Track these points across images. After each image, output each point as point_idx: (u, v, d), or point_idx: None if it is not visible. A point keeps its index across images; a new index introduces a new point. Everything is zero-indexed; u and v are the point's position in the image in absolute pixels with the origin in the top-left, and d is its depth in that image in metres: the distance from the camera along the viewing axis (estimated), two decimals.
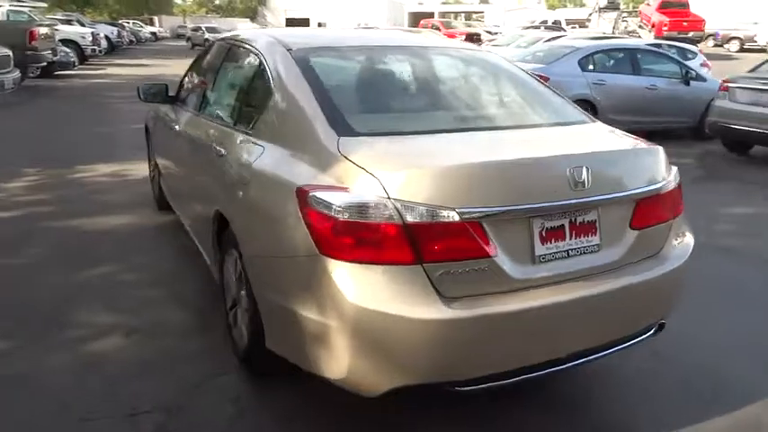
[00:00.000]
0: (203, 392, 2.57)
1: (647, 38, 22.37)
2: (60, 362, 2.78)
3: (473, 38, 23.72)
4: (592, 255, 2.11)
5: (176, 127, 3.68)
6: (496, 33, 25.94)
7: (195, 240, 3.53)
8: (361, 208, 1.84)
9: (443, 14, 60.68)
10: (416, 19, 63.92)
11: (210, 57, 3.63)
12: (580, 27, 33.47)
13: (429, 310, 1.82)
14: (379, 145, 2.09)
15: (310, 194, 1.96)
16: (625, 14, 31.49)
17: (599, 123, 2.65)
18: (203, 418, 2.38)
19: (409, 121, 2.46)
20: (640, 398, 2.52)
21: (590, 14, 35.26)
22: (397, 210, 1.82)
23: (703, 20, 25.02)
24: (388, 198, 1.82)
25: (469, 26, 32.76)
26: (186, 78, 4.11)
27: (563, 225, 2.04)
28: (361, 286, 1.83)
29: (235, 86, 3.03)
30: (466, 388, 1.96)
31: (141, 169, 6.26)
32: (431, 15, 63.17)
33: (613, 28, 29.99)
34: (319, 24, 57.13)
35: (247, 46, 2.99)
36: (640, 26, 27.10)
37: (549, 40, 15.26)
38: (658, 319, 2.35)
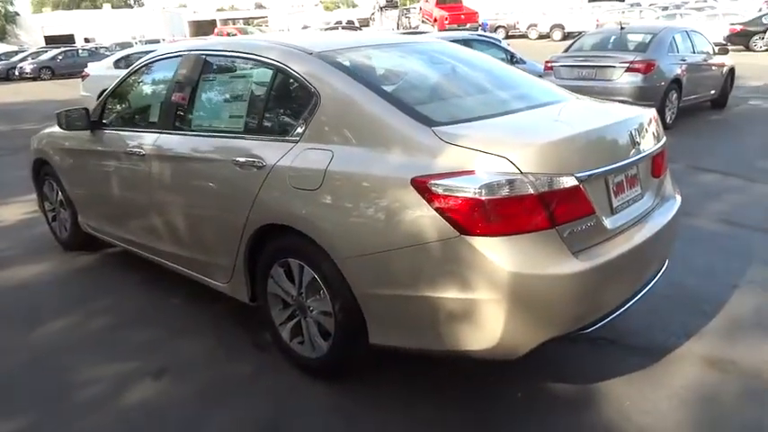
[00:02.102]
0: (298, 407, 2.51)
1: (432, 31, 24.44)
2: (103, 424, 2.48)
3: None
4: (638, 202, 2.51)
5: (127, 151, 3.37)
6: None
7: (185, 270, 3.28)
8: (501, 186, 2.00)
9: (225, 21, 59.53)
10: (197, 28, 61.87)
11: (167, 73, 3.37)
12: (364, 26, 35.28)
13: (570, 265, 2.07)
14: (474, 130, 2.25)
15: (434, 182, 2.07)
16: (406, 11, 33.95)
17: (586, 98, 3.07)
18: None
19: (468, 108, 2.63)
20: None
21: (372, 14, 37.31)
22: (530, 182, 2.02)
23: (477, 12, 28.05)
24: (521, 173, 2.02)
25: (262, 31, 32.66)
26: (118, 100, 3.75)
27: (623, 180, 2.41)
28: (513, 256, 2.00)
29: (243, 97, 2.88)
30: (589, 330, 2.24)
31: (6, 214, 5.50)
32: (211, 23, 61.59)
33: (397, 24, 32.18)
34: (86, 40, 52.34)
35: (248, 55, 2.88)
36: (423, 21, 29.44)
37: None
38: (668, 255, 2.84)
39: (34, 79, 26.63)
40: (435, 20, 27.21)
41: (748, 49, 18.11)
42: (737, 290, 3.35)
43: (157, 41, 31.63)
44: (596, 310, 2.23)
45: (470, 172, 2.05)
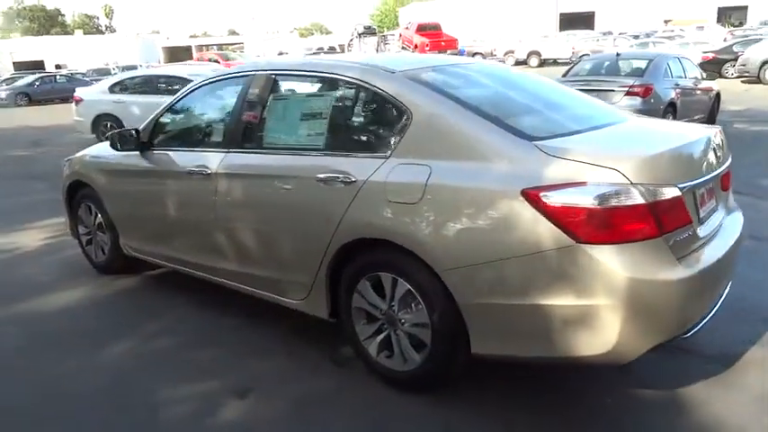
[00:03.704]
0: (396, 421, 2.53)
1: None
2: None
3: None
4: (715, 213, 2.64)
5: (188, 171, 3.37)
6: None
7: (250, 289, 3.28)
8: (614, 196, 2.10)
9: (200, 47, 59.55)
10: (171, 54, 61.74)
11: (228, 93, 3.41)
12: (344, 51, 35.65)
13: (677, 272, 2.16)
14: (575, 144, 2.35)
15: (546, 194, 2.15)
16: (384, 38, 34.49)
17: (644, 116, 3.21)
18: None
19: (553, 123, 2.72)
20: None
21: (350, 40, 37.76)
22: (641, 192, 2.12)
23: (456, 39, 28.70)
24: (631, 183, 2.12)
25: (234, 57, 32.71)
26: (171, 121, 3.77)
27: (704, 192, 2.53)
28: (627, 262, 2.09)
29: (322, 115, 2.93)
30: (687, 336, 2.32)
31: (26, 240, 5.42)
32: (186, 49, 61.50)
33: (376, 51, 32.62)
34: (57, 66, 51.74)
35: (326, 74, 2.96)
36: (403, 48, 29.94)
37: None
38: (736, 265, 2.94)
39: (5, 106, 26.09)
40: (416, 46, 27.72)
41: (721, 75, 18.84)
42: None
43: (134, 67, 31.44)
44: (695, 315, 2.32)
45: (582, 183, 2.14)
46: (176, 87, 11.26)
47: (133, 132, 3.75)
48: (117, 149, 3.75)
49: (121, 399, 2.80)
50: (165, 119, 3.80)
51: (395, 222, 2.48)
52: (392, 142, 2.61)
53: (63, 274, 4.55)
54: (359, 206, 2.60)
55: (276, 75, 3.20)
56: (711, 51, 19.90)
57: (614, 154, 2.25)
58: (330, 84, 2.95)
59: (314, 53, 27.09)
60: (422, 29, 28.58)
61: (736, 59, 18.22)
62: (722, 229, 2.65)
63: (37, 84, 27.75)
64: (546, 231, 2.15)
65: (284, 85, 3.20)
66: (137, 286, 4.26)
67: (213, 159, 3.28)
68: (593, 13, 43.38)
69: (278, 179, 2.96)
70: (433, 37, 27.80)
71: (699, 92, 9.58)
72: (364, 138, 2.81)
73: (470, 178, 2.34)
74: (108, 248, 4.31)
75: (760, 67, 16.97)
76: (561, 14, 42.76)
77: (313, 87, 3.07)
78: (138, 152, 3.77)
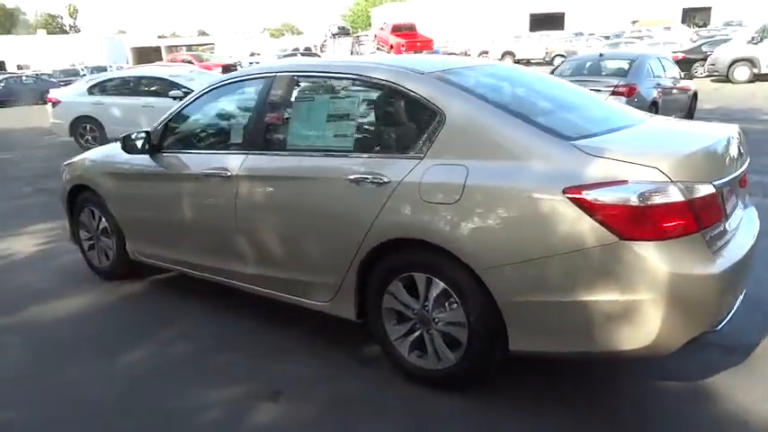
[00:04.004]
0: (435, 418, 2.55)
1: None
2: None
3: (229, 68, 23.75)
4: (737, 209, 2.71)
5: (204, 173, 3.34)
6: (255, 63, 26.18)
7: (271, 292, 3.26)
8: (656, 193, 2.15)
9: (170, 48, 58.71)
10: (140, 54, 60.67)
11: (245, 95, 3.39)
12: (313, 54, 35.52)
13: (714, 266, 2.23)
14: (611, 143, 2.40)
15: (589, 192, 2.19)
16: (358, 39, 34.46)
17: (660, 116, 3.28)
18: None
19: (582, 123, 2.76)
20: None
21: (324, 41, 37.65)
22: (680, 190, 2.17)
23: (432, 40, 28.84)
24: (671, 181, 2.17)
25: (207, 58, 32.26)
26: (184, 123, 3.73)
27: (728, 188, 2.60)
28: (669, 257, 2.14)
29: (349, 116, 2.92)
30: (717, 329, 2.39)
31: (19, 245, 5.30)
32: (155, 50, 60.53)
33: (351, 52, 32.59)
34: (19, 67, 50.36)
35: (352, 76, 2.96)
36: (378, 48, 29.96)
37: None
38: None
39: None
40: (391, 47, 27.76)
41: (690, 75, 19.34)
42: None
43: (104, 69, 30.82)
44: (726, 308, 2.39)
45: (623, 182, 2.19)
46: (157, 89, 11.13)
47: (143, 135, 3.69)
48: (129, 152, 3.68)
49: (146, 406, 2.76)
50: (177, 121, 3.75)
51: (432, 223, 2.50)
52: (426, 143, 2.62)
53: (63, 281, 4.45)
54: (393, 207, 2.61)
55: (299, 76, 3.19)
56: (681, 51, 20.39)
57: (652, 153, 2.31)
58: (358, 85, 2.94)
59: (289, 54, 26.91)
60: (397, 29, 28.66)
61: (705, 59, 18.72)
62: (743, 225, 2.74)
63: (1, 85, 26.99)
64: (589, 229, 2.19)
65: (308, 87, 3.19)
66: (143, 291, 4.19)
67: (233, 161, 3.25)
68: (563, 14, 44.05)
69: (305, 180, 2.95)
70: (409, 37, 27.89)
71: (678, 91, 9.81)
72: (396, 139, 2.81)
73: (510, 178, 2.37)
74: (113, 253, 4.23)
75: (729, 67, 17.47)
76: (532, 15, 43.31)
77: (339, 89, 3.05)
78: (147, 155, 3.72)
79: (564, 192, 2.23)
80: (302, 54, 26.53)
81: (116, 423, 2.65)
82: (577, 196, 2.21)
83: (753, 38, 17.27)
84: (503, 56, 29.26)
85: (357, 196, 2.74)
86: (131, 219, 3.97)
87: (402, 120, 2.82)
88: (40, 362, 3.25)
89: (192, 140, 3.74)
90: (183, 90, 10.68)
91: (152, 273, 4.34)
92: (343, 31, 36.85)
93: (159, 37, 79.29)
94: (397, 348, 2.79)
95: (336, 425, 2.55)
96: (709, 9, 43.24)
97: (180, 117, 3.76)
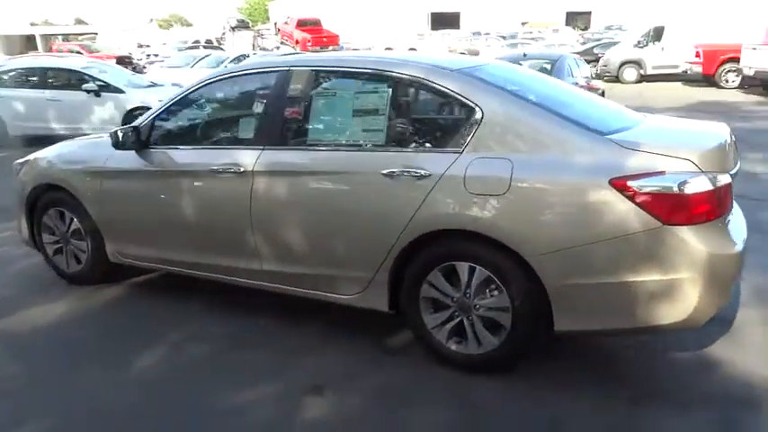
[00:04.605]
0: (481, 401, 2.68)
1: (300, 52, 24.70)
2: None
3: (124, 60, 22.53)
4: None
5: (212, 169, 3.26)
6: (152, 55, 24.95)
7: (289, 288, 3.24)
8: (693, 182, 2.40)
9: (46, 36, 54.30)
10: (10, 43, 55.27)
11: (253, 89, 3.32)
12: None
13: (735, 246, 2.53)
14: (640, 138, 2.63)
15: (633, 182, 2.41)
16: (259, 32, 33.77)
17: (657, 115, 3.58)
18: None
19: (605, 119, 2.96)
20: None
21: (223, 34, 36.52)
22: (709, 179, 2.45)
23: (338, 35, 28.84)
24: (702, 172, 2.44)
25: (98, 49, 30.26)
26: (180, 118, 3.58)
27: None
28: (706, 239, 2.41)
29: (379, 111, 2.94)
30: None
31: None
32: (30, 38, 55.63)
33: (253, 45, 31.89)
34: None
35: (380, 71, 2.99)
36: (282, 43, 29.56)
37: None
38: None
39: None
40: (297, 42, 27.51)
41: None
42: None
43: None
44: (735, 286, 2.71)
45: (662, 172, 2.43)
46: (65, 82, 10.34)
47: (133, 129, 3.51)
48: (119, 148, 3.49)
49: (180, 409, 2.68)
50: (170, 116, 3.61)
51: (479, 213, 2.62)
52: (463, 137, 2.73)
53: (28, 287, 4.13)
54: (436, 199, 2.70)
55: (320, 70, 3.19)
56: (575, 53, 21.84)
57: (683, 147, 2.57)
58: (386, 80, 2.98)
59: (190, 47, 25.83)
60: (302, 24, 28.44)
61: (597, 60, 20.18)
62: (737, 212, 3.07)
63: None
64: (634, 215, 2.41)
65: (330, 81, 3.19)
66: (125, 295, 3.97)
67: (246, 157, 3.18)
68: (459, 13, 45.60)
69: (335, 175, 2.97)
70: (315, 32, 27.77)
71: (590, 90, 10.57)
72: (431, 133, 2.90)
73: (556, 170, 2.54)
74: (87, 257, 3.97)
75: (619, 68, 18.96)
76: (431, 13, 44.42)
77: (365, 84, 3.08)
78: (135, 151, 3.54)
79: (610, 182, 2.44)
80: (204, 47, 25.51)
81: (158, 428, 2.55)
82: (623, 186, 2.42)
83: (639, 41, 18.88)
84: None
85: (393, 190, 2.80)
86: (114, 219, 3.76)
87: (435, 115, 2.93)
88: (35, 372, 3.04)
89: (191, 136, 3.61)
90: (98, 83, 10.05)
91: (128, 276, 4.13)
92: (243, 24, 35.97)
93: (32, 25, 72.86)
94: (435, 336, 2.89)
95: (389, 413, 2.61)
96: (590, 13, 46.53)
97: (173, 111, 3.61)
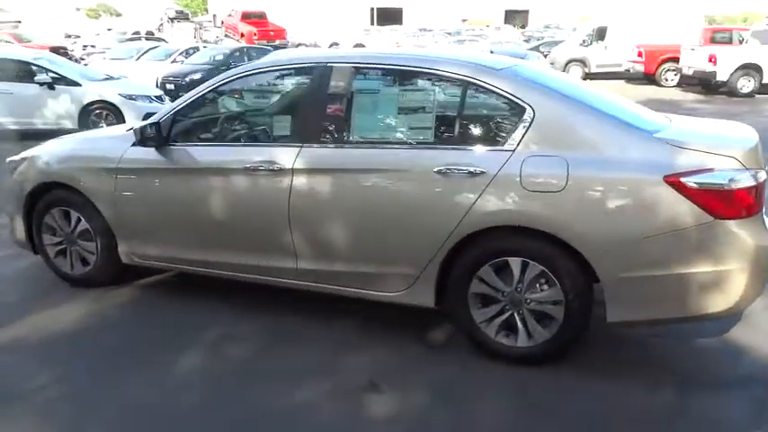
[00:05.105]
0: (545, 396, 2.76)
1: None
2: None
3: (59, 51, 21.44)
4: None
5: (246, 167, 3.20)
6: (89, 46, 23.84)
7: (328, 286, 3.22)
8: (740, 179, 2.56)
9: None
10: None
11: (285, 86, 3.27)
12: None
13: None
14: (684, 137, 2.77)
15: (686, 179, 2.55)
16: (200, 25, 32.83)
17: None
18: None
19: (643, 119, 3.07)
20: None
21: (160, 25, 35.29)
22: (752, 175, 2.61)
23: (285, 29, 28.40)
24: (746, 169, 2.61)
25: (30, 39, 28.57)
26: (203, 115, 3.48)
27: None
28: (753, 232, 2.57)
29: (425, 109, 2.96)
30: None
31: None
32: None
33: (195, 37, 30.99)
34: None
35: (424, 70, 3.02)
36: (226, 35, 28.86)
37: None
38: None
39: None
40: (242, 35, 26.93)
41: None
42: None
43: None
44: None
45: (711, 169, 2.58)
46: (14, 73, 9.74)
47: (153, 126, 3.38)
48: (146, 145, 3.36)
49: (244, 412, 2.64)
50: (195, 111, 3.50)
51: (537, 210, 2.70)
52: (514, 136, 2.80)
53: (31, 292, 3.93)
54: (492, 196, 2.76)
55: (362, 67, 3.18)
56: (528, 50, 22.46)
57: (726, 145, 2.73)
58: (433, 78, 3.01)
59: (131, 39, 24.77)
60: (247, 17, 27.86)
61: (544, 57, 20.79)
62: None
63: None
64: (687, 210, 2.55)
65: (374, 78, 3.18)
66: (140, 297, 3.81)
67: (283, 154, 3.14)
68: (402, 9, 45.84)
69: (382, 173, 2.97)
70: (260, 26, 27.27)
71: None
72: (480, 132, 2.96)
73: (612, 168, 2.65)
74: (96, 258, 3.80)
75: (564, 66, 19.59)
76: (375, 9, 44.47)
77: (410, 81, 3.10)
78: (156, 148, 3.42)
79: (664, 179, 2.56)
80: (147, 39, 24.54)
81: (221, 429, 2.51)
82: (676, 183, 2.55)
83: (584, 40, 19.58)
84: (354, 48, 29.70)
85: (446, 187, 2.84)
86: (131, 219, 3.61)
87: (485, 113, 2.97)
88: (77, 378, 2.91)
89: (219, 132, 3.53)
90: (51, 75, 9.55)
91: (136, 278, 3.98)
92: (182, 16, 34.89)
93: None
94: (483, 331, 2.95)
95: (454, 407, 2.66)
96: (527, 12, 47.83)
97: (196, 107, 3.50)
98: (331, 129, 3.14)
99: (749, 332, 3.26)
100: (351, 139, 3.12)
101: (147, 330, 3.40)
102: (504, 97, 2.87)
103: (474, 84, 2.93)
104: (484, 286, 2.90)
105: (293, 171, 3.10)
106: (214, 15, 39.96)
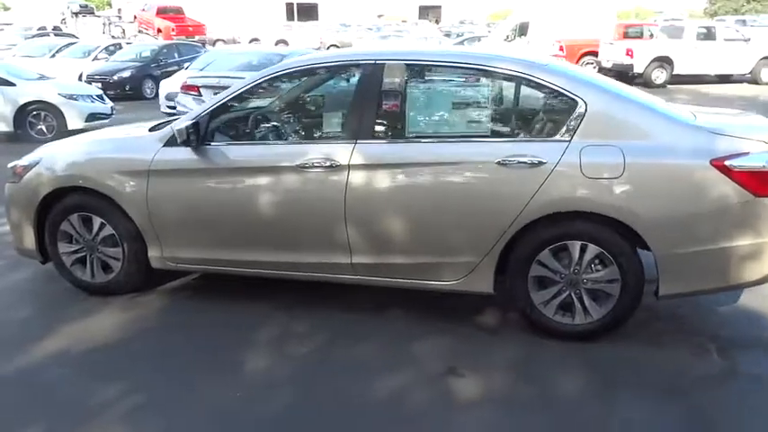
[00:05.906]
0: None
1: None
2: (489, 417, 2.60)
3: None
4: None
5: (300, 164, 3.22)
6: None
7: (383, 279, 3.31)
8: None
9: None
10: None
11: (332, 82, 3.30)
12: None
13: None
14: (719, 126, 3.06)
15: (731, 162, 2.84)
16: (108, 19, 31.14)
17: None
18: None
19: (677, 110, 3.32)
20: None
21: (63, 20, 33.17)
22: None
23: (204, 24, 27.47)
24: None
25: None
26: (245, 113, 3.44)
27: None
28: None
29: (481, 104, 3.11)
30: None
31: None
32: None
33: (103, 33, 29.39)
34: None
35: (483, 67, 3.17)
36: (140, 31, 27.57)
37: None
38: None
39: None
40: (159, 30, 25.83)
41: None
42: None
43: None
44: None
45: (747, 153, 2.89)
46: None
47: (191, 125, 3.30)
48: (179, 143, 3.29)
49: (337, 407, 2.68)
50: (234, 110, 3.46)
51: (597, 195, 2.92)
52: (570, 127, 3.00)
53: (48, 304, 3.77)
54: (554, 184, 2.95)
55: (413, 64, 3.26)
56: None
57: (756, 131, 3.06)
58: (486, 74, 3.16)
59: (37, 35, 23.06)
60: (162, 12, 26.71)
61: None
62: None
63: None
64: (731, 190, 2.85)
65: (426, 75, 3.27)
66: (169, 304, 3.71)
67: (338, 151, 3.18)
68: (317, 5, 45.51)
69: (443, 166, 3.08)
70: (178, 21, 26.26)
71: None
72: (536, 124, 3.13)
73: (663, 155, 2.91)
74: (122, 264, 3.66)
75: None
76: (288, 4, 43.85)
77: (464, 77, 3.22)
78: (193, 148, 3.35)
79: (711, 162, 2.85)
80: (56, 35, 22.97)
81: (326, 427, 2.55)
82: (722, 166, 2.85)
83: (507, 36, 20.37)
84: (276, 44, 29.24)
85: (507, 177, 3.00)
86: (167, 222, 3.51)
87: (539, 107, 3.15)
88: (150, 389, 2.82)
89: (263, 131, 3.49)
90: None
91: (159, 283, 3.87)
92: (87, 10, 32.91)
93: None
94: (542, 311, 3.14)
95: (535, 384, 2.83)
96: (440, 7, 48.91)
97: (235, 106, 3.47)
98: (386, 124, 3.22)
99: (757, 299, 3.64)
100: (407, 134, 3.21)
101: (199, 333, 3.33)
102: (558, 92, 3.06)
103: (527, 79, 3.10)
104: (543, 269, 3.09)
105: (349, 167, 3.15)
106: (119, 9, 38.05)
